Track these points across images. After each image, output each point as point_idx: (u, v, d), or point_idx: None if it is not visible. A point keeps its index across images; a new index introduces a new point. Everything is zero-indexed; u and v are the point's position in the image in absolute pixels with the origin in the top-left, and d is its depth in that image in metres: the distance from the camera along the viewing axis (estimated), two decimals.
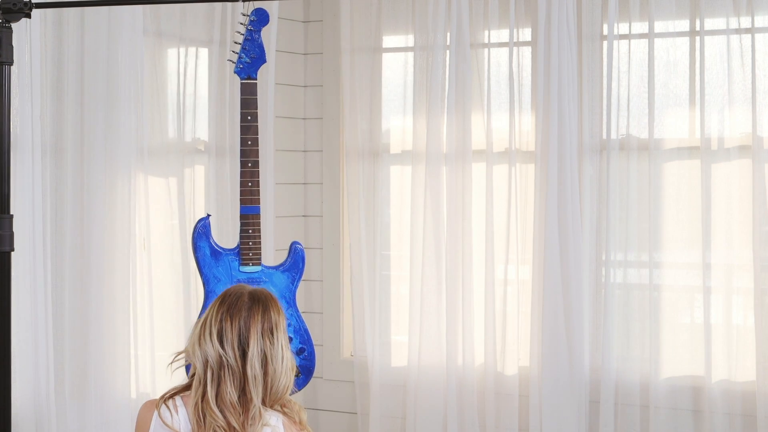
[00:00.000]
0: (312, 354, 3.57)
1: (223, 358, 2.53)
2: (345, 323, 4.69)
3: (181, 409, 2.58)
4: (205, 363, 2.55)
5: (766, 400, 3.91)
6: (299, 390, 3.48)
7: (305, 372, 3.54)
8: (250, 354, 2.54)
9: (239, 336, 2.55)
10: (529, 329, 4.24)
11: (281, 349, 2.58)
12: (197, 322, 2.63)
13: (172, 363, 2.68)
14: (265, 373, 2.56)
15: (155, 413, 2.58)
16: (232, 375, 2.54)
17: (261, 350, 2.55)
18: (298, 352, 3.53)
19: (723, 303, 4.03)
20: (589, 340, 4.19)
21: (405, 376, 4.43)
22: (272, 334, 2.57)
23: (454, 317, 4.29)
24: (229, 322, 2.56)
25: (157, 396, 2.72)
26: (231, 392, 2.53)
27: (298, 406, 2.65)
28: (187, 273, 4.05)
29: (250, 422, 2.53)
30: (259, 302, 2.59)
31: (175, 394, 2.62)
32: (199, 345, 2.56)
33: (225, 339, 2.55)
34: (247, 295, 2.60)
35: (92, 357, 3.71)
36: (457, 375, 4.29)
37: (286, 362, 2.59)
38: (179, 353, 2.67)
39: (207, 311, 2.61)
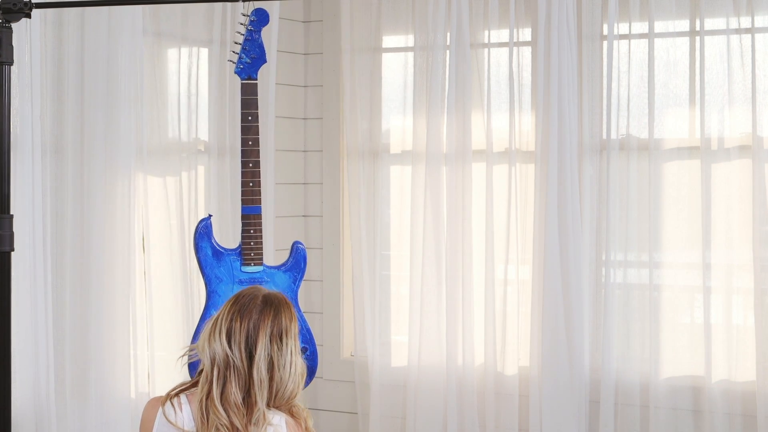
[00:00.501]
0: (314, 354, 3.57)
1: (230, 358, 2.53)
2: (345, 323, 4.69)
3: (186, 407, 2.58)
4: (213, 361, 2.54)
5: (766, 400, 3.91)
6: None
7: (308, 372, 3.54)
8: (256, 357, 2.53)
9: (247, 338, 2.55)
10: (529, 329, 4.24)
11: (290, 355, 2.57)
12: (209, 319, 2.63)
13: (183, 356, 2.68)
14: (271, 378, 2.55)
15: (159, 410, 2.58)
16: (238, 376, 2.53)
17: (268, 354, 2.54)
18: (301, 352, 3.53)
19: (723, 303, 4.03)
20: (589, 340, 4.19)
21: (405, 376, 4.43)
22: (281, 339, 2.56)
23: (454, 317, 4.29)
24: (238, 323, 2.55)
25: (160, 394, 2.72)
26: (236, 392, 2.53)
27: (306, 412, 2.64)
28: (187, 273, 4.05)
29: (253, 424, 2.53)
30: (272, 306, 2.59)
31: (181, 391, 2.61)
32: (208, 342, 2.56)
33: (233, 339, 2.54)
34: (261, 298, 2.60)
35: (92, 357, 3.71)
36: (457, 375, 4.29)
37: (294, 368, 2.58)
38: (191, 347, 2.67)
39: (221, 309, 2.61)
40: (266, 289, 2.66)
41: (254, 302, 2.58)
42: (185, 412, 2.58)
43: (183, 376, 4.01)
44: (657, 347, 4.06)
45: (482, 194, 4.29)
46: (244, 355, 2.54)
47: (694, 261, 4.06)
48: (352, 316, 4.63)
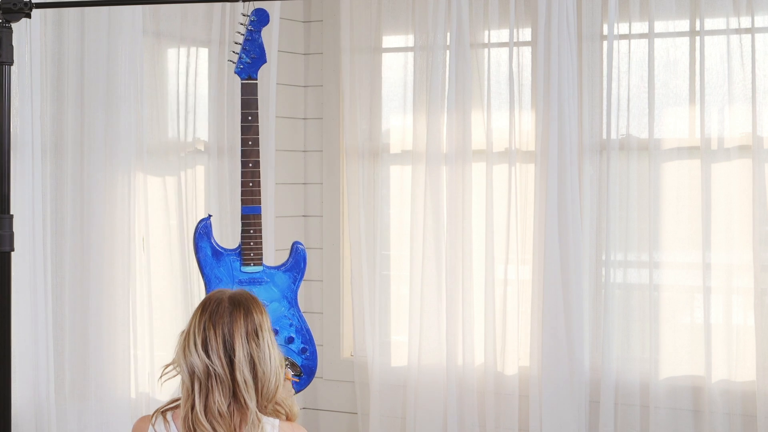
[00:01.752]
0: (314, 354, 3.57)
1: (210, 368, 2.48)
2: (345, 323, 4.69)
3: (172, 426, 2.56)
4: (192, 374, 2.49)
5: (766, 400, 3.91)
6: (301, 390, 3.48)
7: (307, 372, 3.54)
8: (237, 360, 2.49)
9: (224, 343, 2.50)
10: (529, 329, 4.24)
11: (268, 348, 2.53)
12: (181, 333, 2.58)
13: (161, 377, 2.62)
14: (255, 377, 2.50)
15: (150, 429, 2.56)
16: (221, 383, 2.49)
17: (248, 354, 2.50)
18: (301, 352, 3.53)
19: (723, 303, 4.03)
20: (589, 340, 4.19)
21: (405, 376, 4.43)
22: (257, 335, 2.52)
23: (454, 317, 4.29)
24: (212, 330, 2.50)
25: (156, 403, 2.69)
26: (220, 401, 2.48)
27: (290, 401, 2.62)
28: (187, 273, 4.05)
29: (250, 428, 2.51)
30: (240, 305, 2.54)
31: (167, 410, 2.59)
32: (184, 356, 2.51)
33: (210, 348, 2.49)
34: (228, 300, 2.55)
35: (92, 357, 3.71)
36: (457, 375, 4.29)
37: (274, 361, 2.54)
38: (167, 366, 2.61)
39: (190, 321, 2.56)
40: (230, 290, 2.61)
41: (222, 306, 2.53)
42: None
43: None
44: (657, 347, 4.06)
45: (482, 194, 4.29)
46: (224, 362, 2.49)
47: (694, 261, 4.06)
48: (352, 316, 4.63)
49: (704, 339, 4.01)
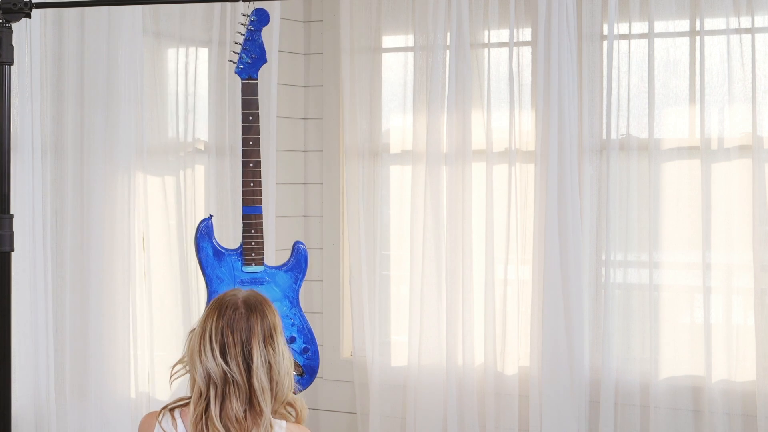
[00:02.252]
0: (316, 353, 3.56)
1: (228, 375, 2.47)
2: (345, 323, 4.69)
3: (179, 423, 2.55)
4: (208, 378, 2.48)
5: (766, 400, 3.91)
6: (304, 389, 3.47)
7: (309, 371, 3.54)
8: (254, 367, 2.48)
9: (242, 350, 2.49)
10: (529, 329, 4.24)
11: (281, 350, 2.54)
12: (194, 332, 2.56)
13: (172, 377, 2.60)
14: (271, 380, 2.50)
15: (157, 426, 2.55)
16: (238, 390, 2.48)
17: (265, 360, 2.50)
18: (303, 352, 3.53)
19: (723, 303, 4.03)
20: (589, 340, 4.19)
21: (405, 376, 4.43)
22: (272, 339, 2.52)
23: (454, 317, 4.29)
24: (231, 337, 2.49)
25: (156, 403, 2.69)
26: (237, 407, 2.47)
27: (300, 403, 2.63)
28: (187, 273, 4.05)
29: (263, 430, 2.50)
30: (256, 310, 2.53)
31: (175, 407, 2.58)
32: (200, 360, 2.49)
33: (228, 354, 2.48)
34: (243, 305, 2.53)
35: (92, 357, 3.71)
36: (457, 375, 4.29)
37: (287, 362, 2.54)
38: (176, 365, 2.60)
39: (204, 322, 2.53)
40: (242, 291, 2.60)
41: (239, 312, 2.52)
42: (180, 430, 2.55)
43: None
44: (657, 347, 4.07)
45: (482, 194, 4.29)
46: (242, 368, 2.48)
47: (694, 261, 4.06)
48: (351, 316, 4.63)
49: (704, 339, 4.01)
